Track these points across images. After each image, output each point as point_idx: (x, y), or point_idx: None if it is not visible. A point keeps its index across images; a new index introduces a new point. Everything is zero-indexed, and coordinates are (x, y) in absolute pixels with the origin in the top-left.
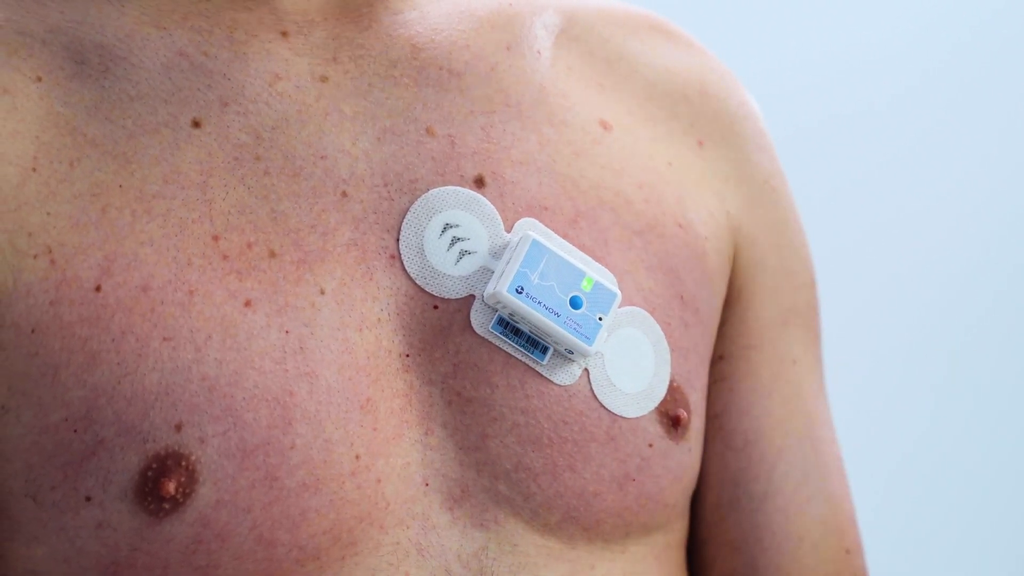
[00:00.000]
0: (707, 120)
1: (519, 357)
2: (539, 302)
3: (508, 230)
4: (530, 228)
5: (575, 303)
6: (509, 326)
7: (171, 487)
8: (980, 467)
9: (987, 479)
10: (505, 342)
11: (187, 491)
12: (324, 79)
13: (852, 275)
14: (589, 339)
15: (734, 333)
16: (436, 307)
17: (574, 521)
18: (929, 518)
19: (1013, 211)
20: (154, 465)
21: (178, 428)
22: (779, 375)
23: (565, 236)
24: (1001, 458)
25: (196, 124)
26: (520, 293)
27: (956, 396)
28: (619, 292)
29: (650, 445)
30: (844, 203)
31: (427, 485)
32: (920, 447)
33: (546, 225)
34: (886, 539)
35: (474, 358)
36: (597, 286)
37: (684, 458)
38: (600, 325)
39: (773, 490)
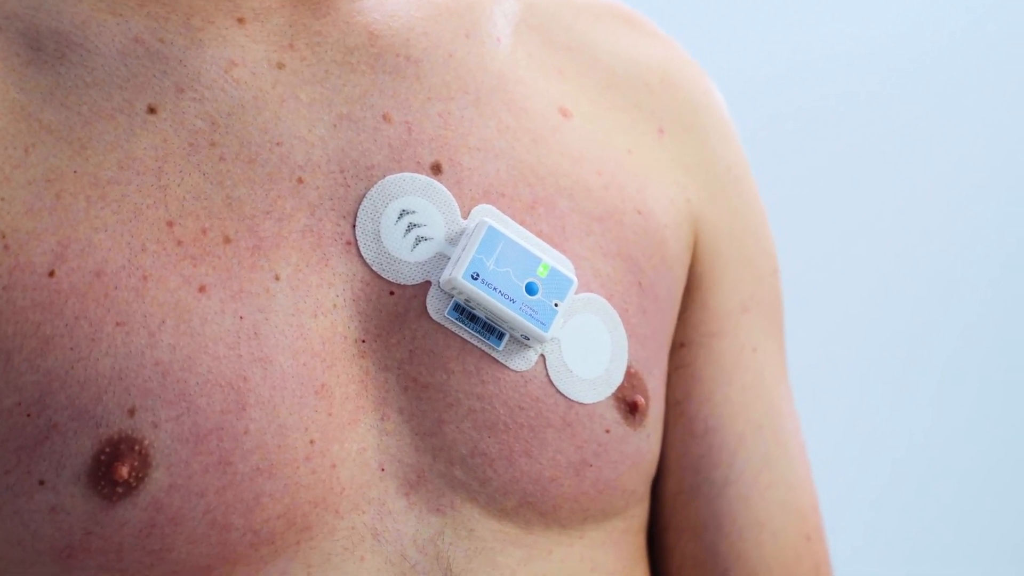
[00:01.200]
0: (669, 109)
1: (475, 343)
2: (494, 288)
3: (465, 216)
4: (486, 214)
5: (531, 289)
6: (465, 312)
7: (124, 471)
8: (973, 466)
9: (981, 479)
10: (461, 328)
11: (140, 475)
12: (280, 66)
13: (836, 269)
14: (545, 325)
15: (695, 320)
16: (392, 293)
17: (531, 506)
18: (923, 518)
19: (1002, 202)
20: (107, 449)
21: (131, 413)
22: (740, 363)
23: (523, 223)
24: (996, 457)
25: (152, 110)
26: (476, 279)
27: (947, 394)
28: (575, 278)
29: (607, 431)
30: (827, 195)
31: (383, 470)
32: (910, 446)
33: (503, 212)
34: (882, 536)
35: (430, 344)
36: (553, 272)
37: (642, 444)
38: (556, 311)
39: (734, 477)
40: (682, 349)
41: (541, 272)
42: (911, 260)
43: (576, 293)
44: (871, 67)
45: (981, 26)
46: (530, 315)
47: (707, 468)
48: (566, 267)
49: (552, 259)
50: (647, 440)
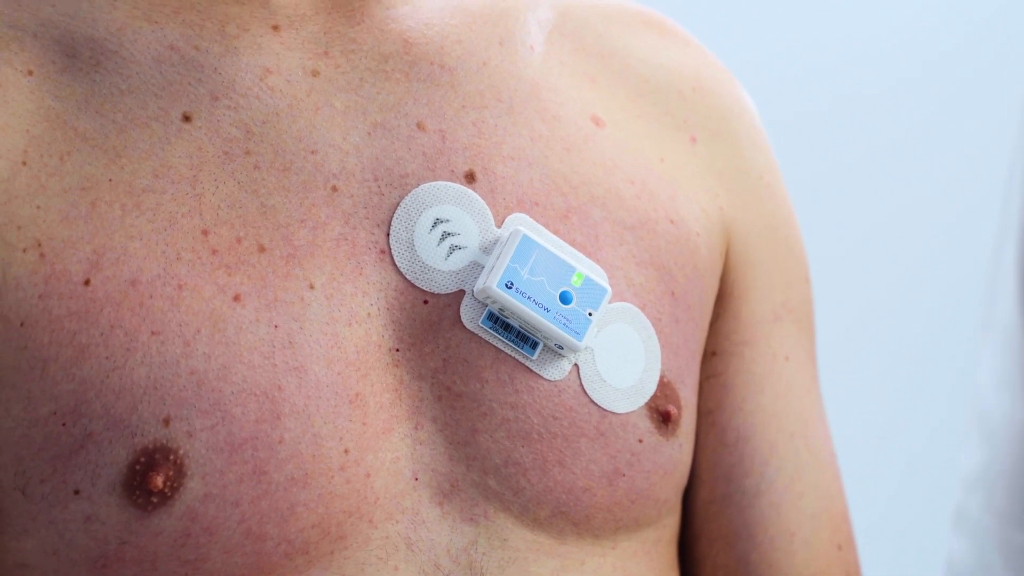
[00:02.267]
0: (700, 116)
1: (509, 352)
2: (529, 297)
3: (499, 225)
4: (520, 223)
5: (565, 298)
6: (499, 321)
7: (159, 481)
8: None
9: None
10: (495, 337)
11: (175, 485)
12: (315, 73)
13: (852, 271)
14: (579, 334)
15: (727, 329)
16: (426, 302)
17: (564, 516)
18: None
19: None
20: (142, 459)
21: (166, 422)
22: (772, 371)
23: (556, 232)
24: None
25: (186, 118)
26: (510, 288)
27: (959, 401)
28: (609, 288)
29: (640, 441)
30: (844, 197)
31: (416, 480)
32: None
33: (537, 220)
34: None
35: (464, 353)
36: (587, 281)
37: (674, 454)
38: (590, 320)
39: (765, 486)
40: (714, 358)
41: (575, 281)
42: (923, 263)
43: (609, 302)
44: (881, 68)
45: (991, 27)
46: (564, 324)
47: (739, 477)
48: (600, 276)
49: (586, 268)
50: (679, 450)
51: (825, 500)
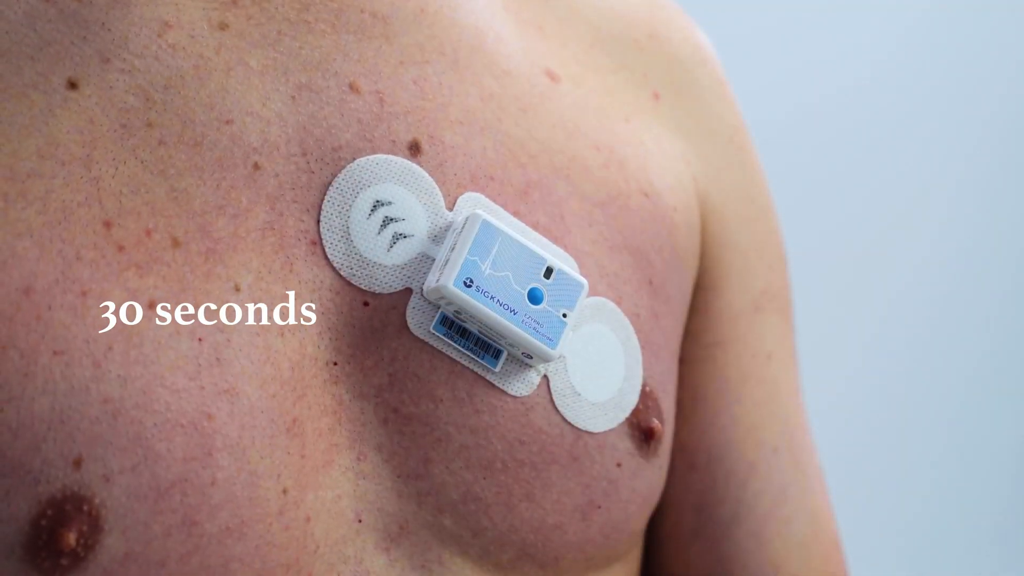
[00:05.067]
0: (661, 69)
1: (466, 364)
2: (492, 297)
3: (450, 207)
4: (477, 205)
5: (535, 297)
6: (455, 326)
7: (71, 539)
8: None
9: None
10: (450, 346)
11: (90, 543)
12: (223, 26)
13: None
14: (552, 341)
15: (696, 329)
16: (367, 304)
17: (530, 559)
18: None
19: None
20: (49, 512)
21: (77, 464)
22: (750, 374)
23: (516, 212)
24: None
25: (72, 85)
26: (469, 287)
27: (952, 399)
28: (585, 281)
29: (618, 464)
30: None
31: (360, 521)
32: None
33: (493, 199)
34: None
35: (413, 366)
36: (560, 275)
37: (655, 478)
38: (565, 323)
39: (744, 512)
40: (681, 366)
41: (545, 275)
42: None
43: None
44: (879, 65)
45: (985, 28)
46: (534, 329)
47: (711, 505)
48: (572, 267)
49: (556, 258)
50: (659, 472)
51: (815, 525)
